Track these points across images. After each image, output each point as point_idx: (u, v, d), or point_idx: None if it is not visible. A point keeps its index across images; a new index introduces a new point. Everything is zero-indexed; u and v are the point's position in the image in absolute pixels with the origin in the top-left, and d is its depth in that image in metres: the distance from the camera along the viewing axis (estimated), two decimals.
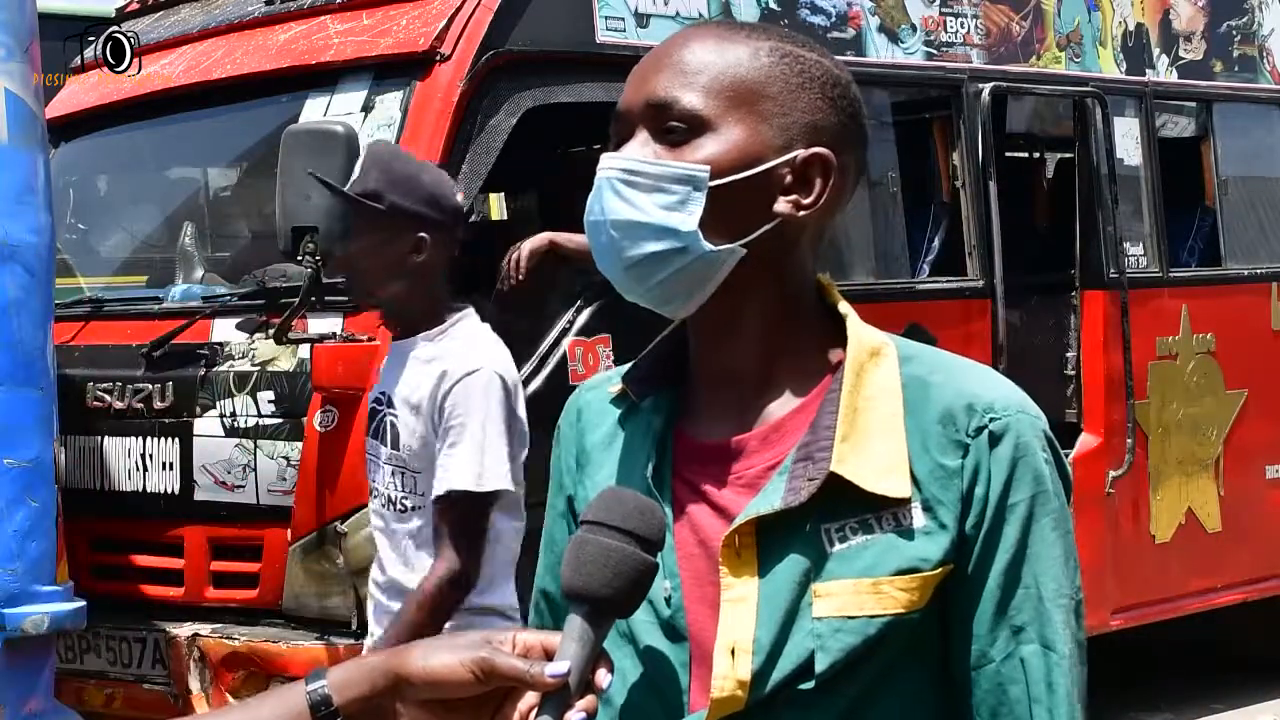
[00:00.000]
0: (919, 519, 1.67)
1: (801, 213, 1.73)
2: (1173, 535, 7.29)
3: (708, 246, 1.70)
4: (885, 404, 1.70)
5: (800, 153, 1.72)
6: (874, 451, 1.68)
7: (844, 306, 1.77)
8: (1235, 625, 8.02)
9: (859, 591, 1.65)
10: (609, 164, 1.73)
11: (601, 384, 1.87)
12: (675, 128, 1.71)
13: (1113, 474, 6.99)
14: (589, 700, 1.53)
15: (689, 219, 1.69)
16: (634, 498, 1.61)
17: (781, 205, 1.72)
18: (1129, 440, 7.01)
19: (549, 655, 1.55)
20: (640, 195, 1.70)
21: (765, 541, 1.68)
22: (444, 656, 1.55)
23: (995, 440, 1.68)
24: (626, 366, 1.86)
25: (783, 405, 1.74)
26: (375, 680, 1.56)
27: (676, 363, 1.81)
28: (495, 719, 1.57)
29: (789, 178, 1.72)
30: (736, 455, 1.73)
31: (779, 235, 1.72)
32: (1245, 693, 7.97)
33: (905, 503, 1.67)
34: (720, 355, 1.76)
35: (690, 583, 1.71)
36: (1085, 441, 6.98)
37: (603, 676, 1.55)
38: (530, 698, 1.54)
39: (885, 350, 1.74)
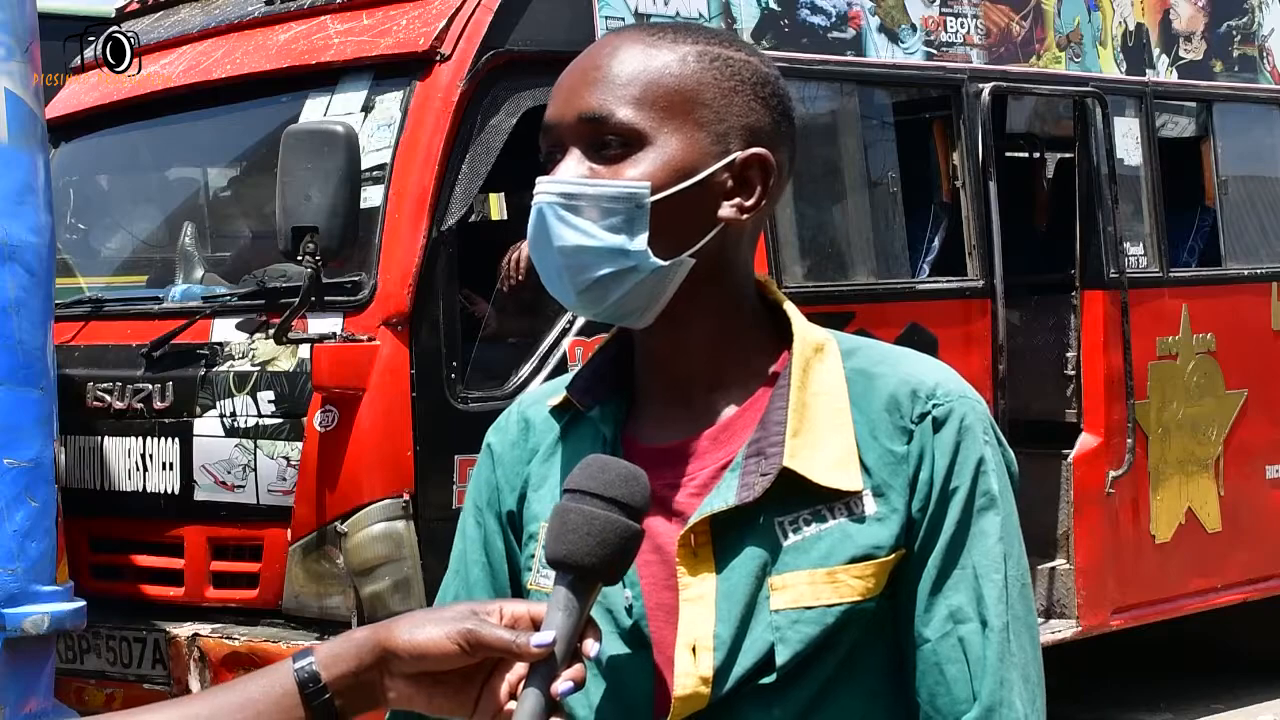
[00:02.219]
0: (871, 506, 1.68)
1: (745, 215, 1.73)
2: (1173, 535, 7.29)
3: (658, 261, 1.70)
4: (832, 398, 1.72)
5: (738, 155, 1.72)
6: (824, 445, 1.69)
7: (788, 305, 1.79)
8: (1235, 625, 8.02)
9: (815, 582, 1.67)
10: (546, 189, 1.71)
11: (540, 399, 1.86)
12: (610, 142, 1.70)
13: (1113, 474, 6.98)
14: (576, 669, 1.53)
15: (637, 238, 1.69)
16: (618, 465, 1.60)
17: (726, 210, 1.72)
18: (1129, 440, 7.01)
19: (536, 625, 1.55)
20: (583, 220, 1.69)
21: (721, 539, 1.69)
22: (430, 629, 1.55)
23: (938, 425, 1.70)
24: (560, 380, 1.86)
25: (731, 405, 1.75)
26: (362, 655, 1.56)
27: (618, 372, 1.81)
28: (483, 690, 1.57)
29: (729, 182, 1.72)
30: (688, 458, 1.74)
31: (722, 238, 1.73)
32: (1245, 693, 7.97)
33: (857, 493, 1.68)
34: (670, 361, 1.77)
35: (649, 589, 1.71)
36: (1085, 441, 6.98)
37: (590, 645, 1.55)
38: (519, 668, 1.54)
39: (828, 346, 1.75)
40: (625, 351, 1.82)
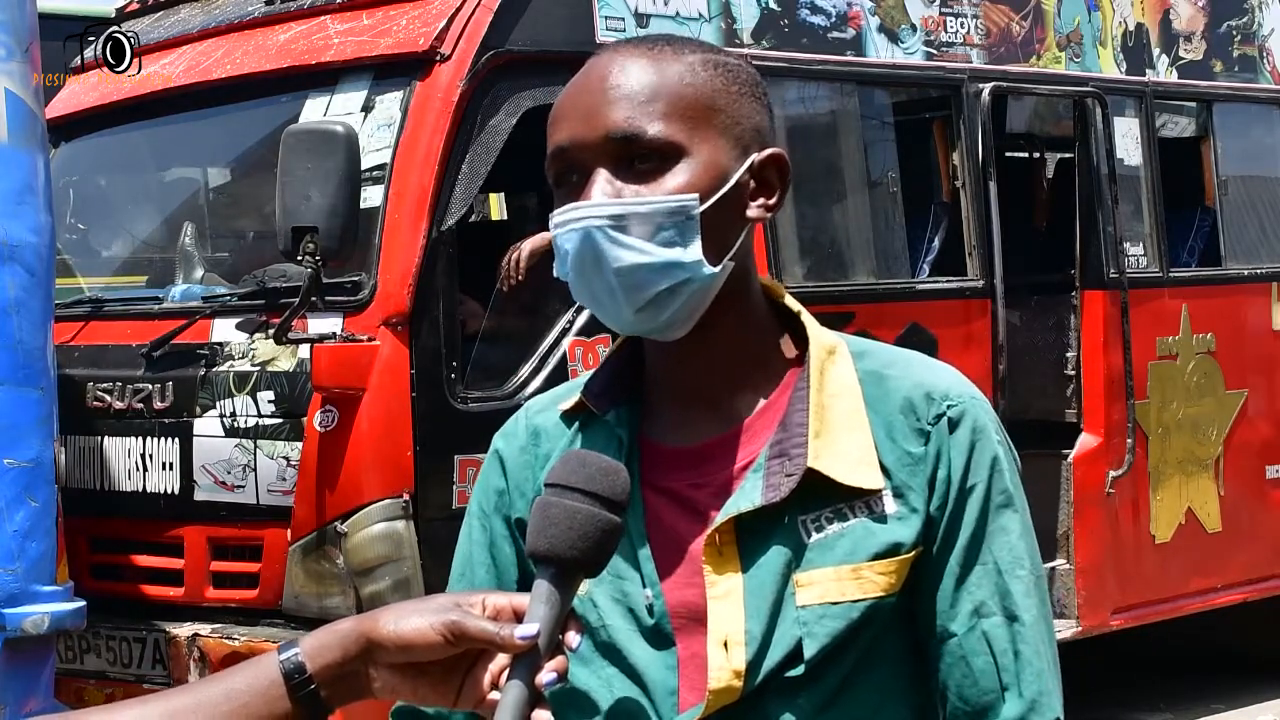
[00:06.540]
0: (891, 505, 1.73)
1: (769, 213, 1.79)
2: (1173, 535, 7.29)
3: (711, 269, 1.73)
4: (848, 399, 1.76)
5: (756, 157, 1.76)
6: (844, 445, 1.73)
7: (799, 307, 1.82)
8: (1235, 625, 8.02)
9: (840, 578, 1.71)
10: (590, 212, 1.71)
11: (549, 405, 1.88)
12: (644, 158, 1.71)
13: (1113, 474, 6.98)
14: (559, 660, 1.56)
15: (692, 249, 1.71)
16: (597, 459, 1.63)
17: (754, 211, 1.77)
18: (1129, 440, 7.01)
19: (519, 617, 1.57)
20: (634, 239, 1.70)
21: (745, 537, 1.73)
22: (414, 620, 1.57)
23: (953, 426, 1.75)
24: (565, 387, 1.89)
25: (749, 406, 1.79)
26: (347, 646, 1.58)
27: (631, 376, 1.83)
28: (466, 681, 1.59)
29: (752, 183, 1.76)
30: (708, 459, 1.77)
31: (747, 239, 1.78)
32: (1245, 693, 7.97)
33: (877, 492, 1.73)
34: (692, 365, 1.79)
35: (670, 587, 1.75)
36: (1085, 441, 6.98)
37: (573, 637, 1.57)
38: (501, 659, 1.57)
39: (839, 348, 1.80)
40: (635, 356, 1.84)
